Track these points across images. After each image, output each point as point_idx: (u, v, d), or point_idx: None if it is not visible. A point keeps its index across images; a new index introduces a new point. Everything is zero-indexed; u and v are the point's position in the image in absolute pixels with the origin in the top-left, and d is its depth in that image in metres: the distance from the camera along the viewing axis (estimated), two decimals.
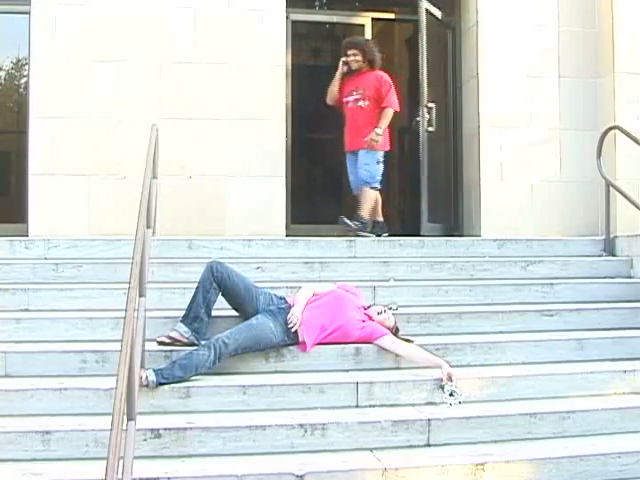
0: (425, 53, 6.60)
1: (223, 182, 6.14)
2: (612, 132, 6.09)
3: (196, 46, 6.15)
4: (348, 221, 5.83)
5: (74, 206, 5.94)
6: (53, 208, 5.91)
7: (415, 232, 6.38)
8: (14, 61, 6.71)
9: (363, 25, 7.04)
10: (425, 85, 6.60)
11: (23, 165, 6.09)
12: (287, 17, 6.47)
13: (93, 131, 5.98)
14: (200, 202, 6.03)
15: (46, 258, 5.14)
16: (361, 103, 6.00)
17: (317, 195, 7.96)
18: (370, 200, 6.00)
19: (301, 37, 7.37)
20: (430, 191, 6.63)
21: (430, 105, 6.64)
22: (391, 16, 7.23)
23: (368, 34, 7.03)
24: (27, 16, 6.03)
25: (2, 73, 6.80)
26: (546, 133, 6.65)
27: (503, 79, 6.62)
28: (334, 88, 6.11)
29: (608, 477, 3.48)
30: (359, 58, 6.04)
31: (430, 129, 6.61)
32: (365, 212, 5.95)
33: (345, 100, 6.09)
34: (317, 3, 7.75)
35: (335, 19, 7.36)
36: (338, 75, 6.11)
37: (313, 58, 8.15)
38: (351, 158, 6.15)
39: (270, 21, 6.31)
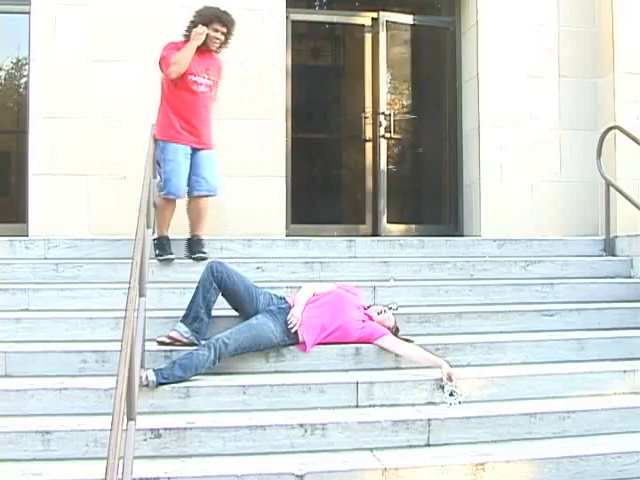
0: (385, 59, 6.71)
1: (223, 182, 6.12)
2: (612, 132, 6.09)
3: None
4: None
5: (74, 206, 5.94)
6: (53, 208, 5.91)
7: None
8: (14, 61, 6.70)
9: (363, 25, 7.03)
10: (384, 92, 6.76)
11: (23, 165, 6.09)
12: (287, 17, 6.47)
13: (93, 131, 5.97)
14: None
15: (46, 258, 5.14)
16: (210, 92, 5.06)
17: (317, 195, 7.95)
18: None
19: (301, 37, 7.36)
20: (391, 192, 6.79)
21: (387, 112, 6.78)
22: (391, 16, 7.21)
23: (368, 34, 7.01)
24: (27, 16, 6.03)
25: (2, 73, 6.79)
26: (546, 133, 6.64)
27: (503, 79, 6.62)
28: (188, 61, 4.84)
29: (608, 477, 3.48)
30: (223, 39, 5.05)
31: (387, 135, 6.78)
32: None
33: (192, 79, 4.92)
34: (317, 3, 7.74)
35: (335, 19, 7.34)
36: (194, 47, 4.87)
37: (313, 58, 8.14)
38: (191, 155, 4.99)
39: (270, 21, 6.30)
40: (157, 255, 5.00)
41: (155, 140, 4.87)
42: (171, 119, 4.90)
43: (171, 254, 5.03)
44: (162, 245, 5.05)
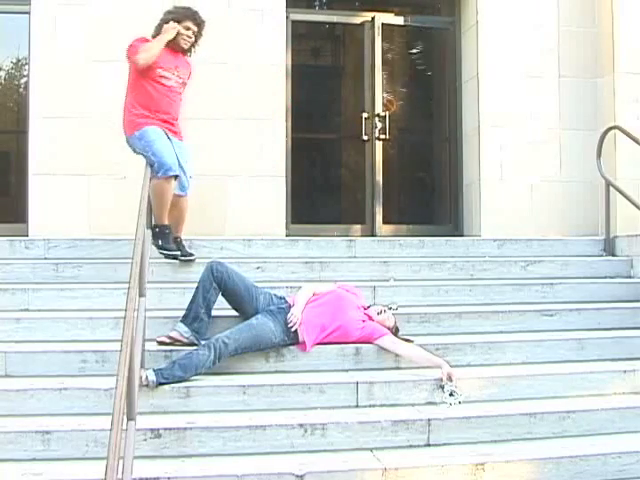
0: (384, 59, 6.67)
1: (223, 182, 6.14)
2: (612, 132, 6.09)
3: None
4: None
5: (74, 206, 5.94)
6: (53, 208, 5.91)
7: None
8: (14, 61, 6.70)
9: (363, 25, 7.03)
10: (384, 92, 6.75)
11: (23, 165, 6.09)
12: (287, 17, 6.47)
13: (93, 131, 5.97)
14: (200, 202, 6.00)
15: (46, 258, 5.14)
16: (179, 88, 4.95)
17: (317, 195, 7.95)
18: None
19: (301, 37, 7.36)
20: (391, 192, 6.79)
21: (383, 114, 6.79)
22: (391, 16, 7.22)
23: (368, 34, 7.01)
24: (27, 16, 6.03)
25: (2, 73, 6.78)
26: (546, 133, 6.65)
27: (503, 79, 6.62)
28: (157, 51, 4.75)
29: (608, 477, 3.48)
30: (193, 40, 5.01)
31: (387, 135, 6.78)
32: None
33: (161, 73, 4.80)
34: (317, 3, 7.73)
35: (335, 19, 7.34)
36: (165, 39, 4.82)
37: (313, 58, 8.13)
38: (173, 143, 4.89)
39: (270, 21, 6.31)
40: (160, 247, 4.82)
41: (127, 137, 4.80)
42: (139, 111, 4.75)
43: (176, 251, 4.89)
44: (165, 235, 4.84)
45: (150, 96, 4.78)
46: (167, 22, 4.91)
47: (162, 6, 6.07)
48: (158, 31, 4.92)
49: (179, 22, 4.90)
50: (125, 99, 4.85)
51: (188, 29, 4.94)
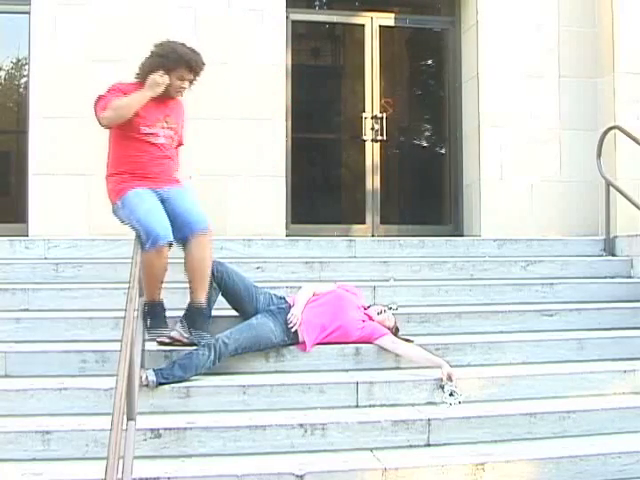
0: (384, 59, 6.70)
1: (223, 182, 6.14)
2: (612, 132, 6.09)
3: (196, 46, 6.09)
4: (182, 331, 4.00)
5: (74, 206, 5.94)
6: (53, 208, 5.92)
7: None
8: (14, 61, 6.70)
9: (363, 25, 7.04)
10: (383, 92, 6.77)
11: (23, 165, 6.10)
12: (287, 17, 6.48)
13: (93, 131, 5.93)
14: (200, 202, 6.02)
15: (46, 258, 5.14)
16: (172, 142, 4.03)
17: (317, 195, 7.95)
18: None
19: (301, 37, 7.36)
20: (391, 192, 6.81)
21: (380, 115, 6.79)
22: (391, 16, 7.22)
23: (368, 34, 7.02)
24: (27, 16, 6.04)
25: (2, 73, 6.79)
26: (546, 133, 6.65)
27: (503, 79, 6.62)
28: (131, 111, 3.83)
29: (608, 477, 3.48)
30: (188, 87, 4.07)
31: (387, 135, 6.78)
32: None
33: (147, 131, 3.89)
34: (317, 3, 7.73)
35: (335, 19, 7.35)
36: (146, 98, 3.84)
37: (313, 58, 8.13)
38: (160, 200, 3.92)
39: (270, 21, 6.31)
40: (149, 328, 3.92)
41: (112, 207, 3.93)
42: (121, 174, 3.88)
43: (169, 329, 4.00)
44: (155, 313, 3.96)
45: (134, 157, 3.88)
46: (154, 69, 3.82)
47: (161, 6, 6.12)
48: (142, 76, 3.88)
49: (171, 71, 3.84)
50: (106, 160, 4.03)
51: (183, 79, 3.92)
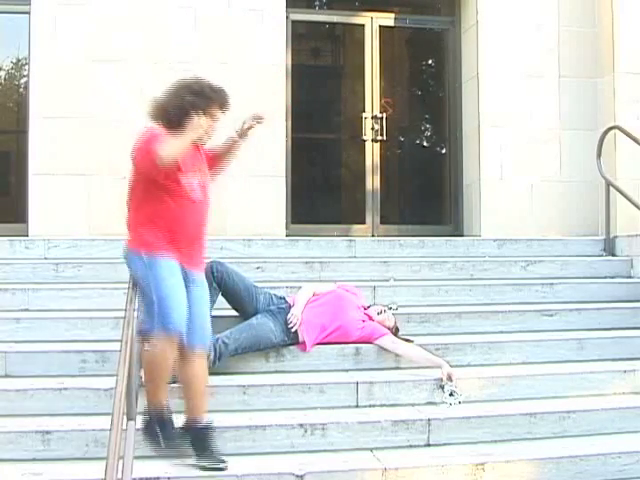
0: (384, 59, 6.69)
1: (223, 182, 6.12)
2: (612, 132, 6.09)
3: (196, 46, 6.14)
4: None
5: (74, 206, 5.94)
6: (53, 208, 5.91)
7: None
8: (14, 61, 6.70)
9: (363, 25, 7.04)
10: (375, 96, 6.77)
11: (23, 165, 6.09)
12: (287, 17, 6.47)
13: (93, 131, 5.97)
14: None
15: (46, 258, 5.14)
16: (205, 197, 3.47)
17: (317, 195, 7.95)
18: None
19: (301, 37, 7.36)
20: (391, 192, 6.83)
21: (380, 115, 6.80)
22: (391, 16, 7.23)
23: (368, 34, 7.02)
24: (27, 16, 6.03)
25: (2, 73, 6.79)
26: (546, 133, 6.64)
27: (503, 79, 6.62)
28: (180, 152, 3.25)
29: (608, 477, 3.48)
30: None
31: (386, 136, 6.79)
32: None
33: (186, 181, 3.35)
34: (317, 3, 7.73)
35: (335, 19, 7.35)
36: (191, 139, 3.31)
37: (313, 58, 8.14)
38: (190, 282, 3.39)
39: (270, 21, 6.31)
40: (164, 447, 3.23)
41: (126, 249, 3.41)
42: (155, 232, 3.32)
43: (186, 445, 3.29)
44: (165, 423, 3.25)
45: (172, 215, 3.32)
46: (188, 110, 3.32)
47: (161, 6, 6.12)
48: (178, 119, 3.32)
49: (206, 110, 3.40)
50: (129, 214, 3.47)
51: (214, 118, 3.47)
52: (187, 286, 3.32)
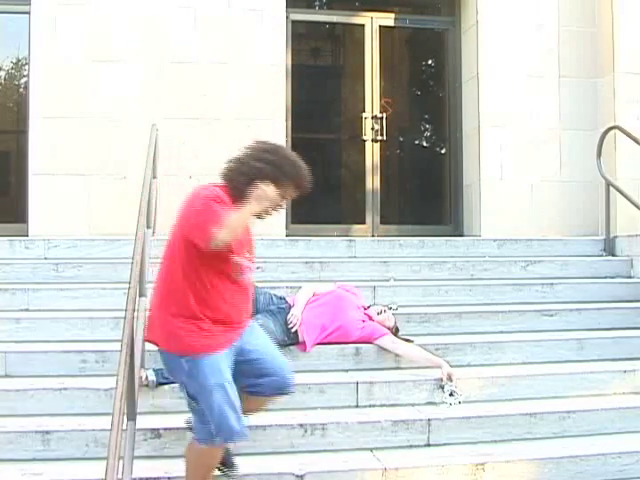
0: (385, 59, 6.68)
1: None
2: (612, 132, 6.09)
3: (196, 46, 6.15)
4: None
5: (74, 206, 5.94)
6: (53, 208, 5.91)
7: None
8: (14, 61, 6.70)
9: (363, 25, 7.04)
10: (375, 96, 6.77)
11: (23, 165, 6.09)
12: (287, 17, 6.47)
13: (93, 131, 5.97)
14: None
15: (46, 258, 5.14)
16: (250, 282, 3.04)
17: (317, 195, 7.94)
18: None
19: (301, 37, 7.36)
20: (391, 192, 6.81)
21: (380, 115, 6.81)
22: (391, 16, 7.23)
23: (368, 34, 7.02)
24: (27, 16, 6.03)
25: (2, 73, 6.79)
26: (546, 133, 6.64)
27: (503, 79, 6.62)
28: (240, 230, 2.84)
29: (608, 477, 3.48)
30: None
31: (386, 136, 6.80)
32: None
33: (237, 261, 2.88)
34: (317, 3, 7.73)
35: (335, 19, 7.35)
36: (252, 212, 2.87)
37: (313, 58, 8.13)
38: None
39: (270, 21, 6.30)
40: None
41: (165, 353, 2.91)
42: (201, 324, 2.81)
43: None
44: None
45: (218, 300, 2.84)
46: (261, 178, 2.86)
47: (162, 6, 6.12)
48: (238, 184, 2.89)
49: (277, 182, 2.90)
50: (158, 299, 2.91)
51: (284, 198, 3.01)
52: (248, 350, 2.91)
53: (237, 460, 3.24)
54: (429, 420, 3.63)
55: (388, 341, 4.13)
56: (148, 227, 4.21)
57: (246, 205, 2.80)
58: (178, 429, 3.41)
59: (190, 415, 3.03)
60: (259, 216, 2.94)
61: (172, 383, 3.68)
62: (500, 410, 3.78)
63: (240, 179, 2.91)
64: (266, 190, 2.83)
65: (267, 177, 2.87)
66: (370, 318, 4.24)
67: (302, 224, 6.56)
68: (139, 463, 3.05)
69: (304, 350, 4.07)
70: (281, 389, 3.03)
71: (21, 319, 4.32)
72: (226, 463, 3.16)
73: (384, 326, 4.21)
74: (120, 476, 2.72)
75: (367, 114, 6.91)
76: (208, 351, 2.78)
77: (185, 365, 2.80)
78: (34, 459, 3.30)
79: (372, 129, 6.91)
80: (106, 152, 5.94)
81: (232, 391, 2.80)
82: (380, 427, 3.58)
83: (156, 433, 3.39)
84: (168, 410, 3.63)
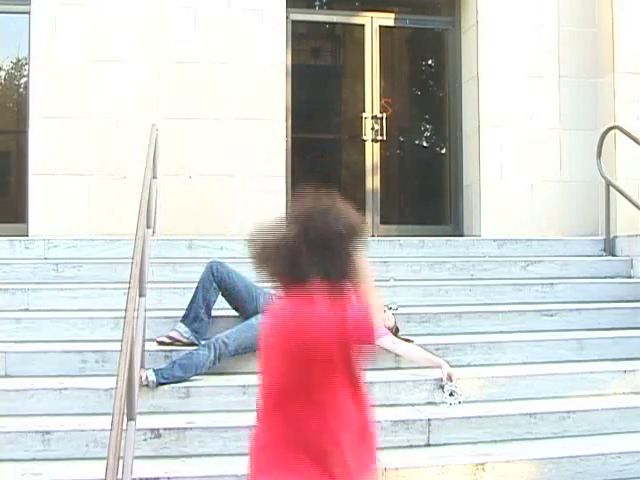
0: (385, 59, 6.69)
1: (223, 182, 6.14)
2: (612, 132, 6.09)
3: (196, 46, 6.15)
4: None
5: (74, 206, 5.94)
6: (53, 208, 5.91)
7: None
8: (14, 61, 6.70)
9: (363, 25, 7.04)
10: (375, 96, 6.77)
11: (23, 165, 6.10)
12: (287, 17, 6.47)
13: (93, 131, 5.97)
14: (200, 202, 6.03)
15: (46, 258, 5.14)
16: None
17: None
18: None
19: (301, 37, 7.36)
20: (391, 192, 6.82)
21: (380, 115, 6.81)
22: (391, 16, 7.24)
23: (368, 34, 7.02)
24: (27, 16, 6.03)
25: (2, 73, 6.79)
26: (546, 133, 6.64)
27: (503, 79, 6.62)
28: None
29: (608, 477, 3.48)
30: None
31: (386, 136, 6.79)
32: None
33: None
34: (317, 3, 7.74)
35: (335, 19, 7.36)
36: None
37: (313, 58, 8.14)
38: None
39: (270, 21, 6.30)
40: None
41: None
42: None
43: None
44: None
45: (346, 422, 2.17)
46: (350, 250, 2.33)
47: (162, 6, 6.12)
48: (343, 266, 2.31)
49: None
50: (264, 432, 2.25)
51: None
52: None
53: (237, 460, 3.24)
54: (429, 420, 3.62)
55: (388, 341, 4.12)
56: (148, 227, 4.21)
57: (370, 288, 2.34)
58: (178, 429, 3.42)
59: None
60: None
61: (172, 383, 3.69)
62: (500, 410, 3.77)
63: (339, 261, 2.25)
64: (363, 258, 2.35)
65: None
66: None
67: None
68: (139, 463, 3.05)
69: None
70: None
71: (21, 319, 4.32)
72: None
73: (384, 326, 4.20)
74: (120, 476, 2.72)
75: (367, 114, 6.91)
76: None
77: None
78: (34, 459, 3.30)
79: (372, 129, 6.91)
80: (106, 152, 5.94)
81: None
82: (380, 427, 3.56)
83: (156, 433, 3.39)
84: (168, 410, 3.63)
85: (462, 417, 3.67)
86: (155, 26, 6.09)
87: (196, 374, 3.77)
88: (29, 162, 6.00)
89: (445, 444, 3.60)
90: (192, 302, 4.14)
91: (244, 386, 3.74)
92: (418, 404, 3.84)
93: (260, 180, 6.16)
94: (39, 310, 4.53)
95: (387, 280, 5.12)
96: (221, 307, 4.22)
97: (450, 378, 3.87)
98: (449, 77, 7.17)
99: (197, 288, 4.16)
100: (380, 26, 6.99)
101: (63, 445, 3.34)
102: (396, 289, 4.94)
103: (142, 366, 3.58)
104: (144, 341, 3.63)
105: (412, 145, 7.86)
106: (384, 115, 6.88)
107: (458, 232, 6.85)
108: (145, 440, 3.36)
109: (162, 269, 4.89)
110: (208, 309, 4.12)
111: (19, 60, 6.66)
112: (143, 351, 3.61)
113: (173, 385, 3.69)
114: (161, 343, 4.06)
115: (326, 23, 7.62)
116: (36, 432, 3.35)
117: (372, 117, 6.90)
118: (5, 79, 6.86)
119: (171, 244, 5.19)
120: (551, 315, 4.75)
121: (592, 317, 4.79)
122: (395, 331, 4.25)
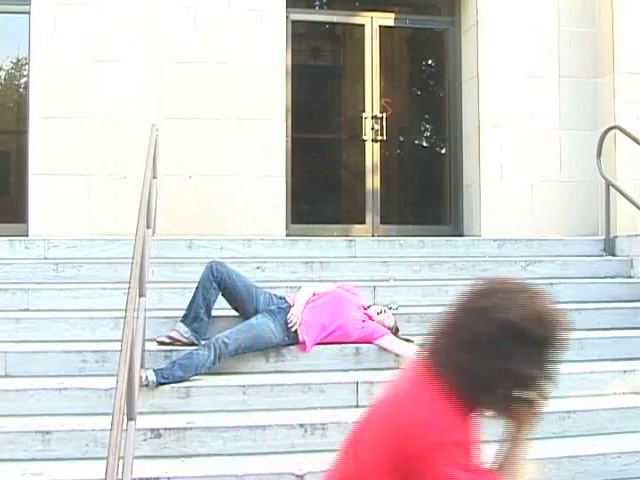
0: (385, 59, 6.69)
1: (223, 182, 6.14)
2: (612, 132, 6.09)
3: (196, 46, 6.15)
4: None
5: (74, 206, 5.94)
6: (53, 208, 5.91)
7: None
8: (14, 61, 6.71)
9: (363, 25, 7.04)
10: (375, 96, 6.78)
11: (23, 165, 6.10)
12: (287, 17, 6.47)
13: (93, 131, 5.98)
14: (200, 202, 6.03)
15: (46, 258, 5.14)
16: None
17: (317, 195, 7.96)
18: None
19: (301, 37, 7.36)
20: (391, 192, 6.82)
21: (380, 115, 6.82)
22: (391, 16, 7.23)
23: (368, 34, 7.02)
24: (27, 16, 6.03)
25: (2, 73, 6.79)
26: (546, 133, 6.64)
27: (503, 79, 6.62)
28: None
29: (608, 477, 3.47)
30: None
31: (386, 136, 6.80)
32: None
33: None
34: (317, 3, 7.74)
35: (335, 19, 7.36)
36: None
37: (313, 58, 8.14)
38: None
39: (270, 21, 6.31)
40: None
41: None
42: None
43: None
44: None
45: None
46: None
47: (162, 6, 6.12)
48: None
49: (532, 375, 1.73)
50: None
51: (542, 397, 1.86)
52: None
53: (237, 460, 3.24)
54: None
55: (388, 341, 4.13)
56: (148, 227, 4.20)
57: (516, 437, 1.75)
58: (178, 429, 3.42)
59: None
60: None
61: (172, 383, 3.69)
62: None
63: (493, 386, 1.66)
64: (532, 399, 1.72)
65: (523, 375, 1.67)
66: (370, 318, 4.24)
67: (302, 224, 6.56)
68: (139, 463, 3.05)
69: (304, 350, 4.07)
70: None
71: (21, 319, 4.32)
72: None
73: (384, 326, 4.21)
74: (120, 476, 2.72)
75: (367, 114, 6.91)
76: None
77: None
78: (34, 459, 3.30)
79: (372, 129, 6.91)
80: (106, 152, 5.94)
81: None
82: None
83: (156, 433, 3.39)
84: (168, 410, 3.63)
85: None
86: (155, 26, 6.09)
87: (196, 374, 3.77)
88: (29, 162, 6.00)
89: None
90: (192, 302, 4.14)
91: (244, 386, 3.75)
92: None
93: (260, 180, 6.17)
94: (39, 310, 4.53)
95: (387, 280, 5.13)
96: (221, 307, 4.22)
97: None
98: (449, 77, 7.17)
99: (197, 288, 4.16)
100: (380, 26, 6.99)
101: (63, 445, 3.34)
102: (396, 289, 4.94)
103: (142, 366, 3.58)
104: (144, 341, 3.63)
105: (412, 145, 7.86)
106: (384, 115, 6.89)
107: (458, 232, 6.86)
108: (145, 440, 3.36)
109: (162, 269, 4.89)
110: (208, 309, 4.12)
111: (19, 60, 6.66)
112: (143, 351, 3.61)
113: (173, 385, 3.69)
114: (161, 343, 4.06)
115: (326, 23, 7.62)
116: (36, 432, 3.35)
117: (372, 117, 6.91)
118: (5, 79, 6.86)
119: (171, 244, 5.19)
120: None
121: (592, 317, 4.79)
122: (395, 331, 4.26)
